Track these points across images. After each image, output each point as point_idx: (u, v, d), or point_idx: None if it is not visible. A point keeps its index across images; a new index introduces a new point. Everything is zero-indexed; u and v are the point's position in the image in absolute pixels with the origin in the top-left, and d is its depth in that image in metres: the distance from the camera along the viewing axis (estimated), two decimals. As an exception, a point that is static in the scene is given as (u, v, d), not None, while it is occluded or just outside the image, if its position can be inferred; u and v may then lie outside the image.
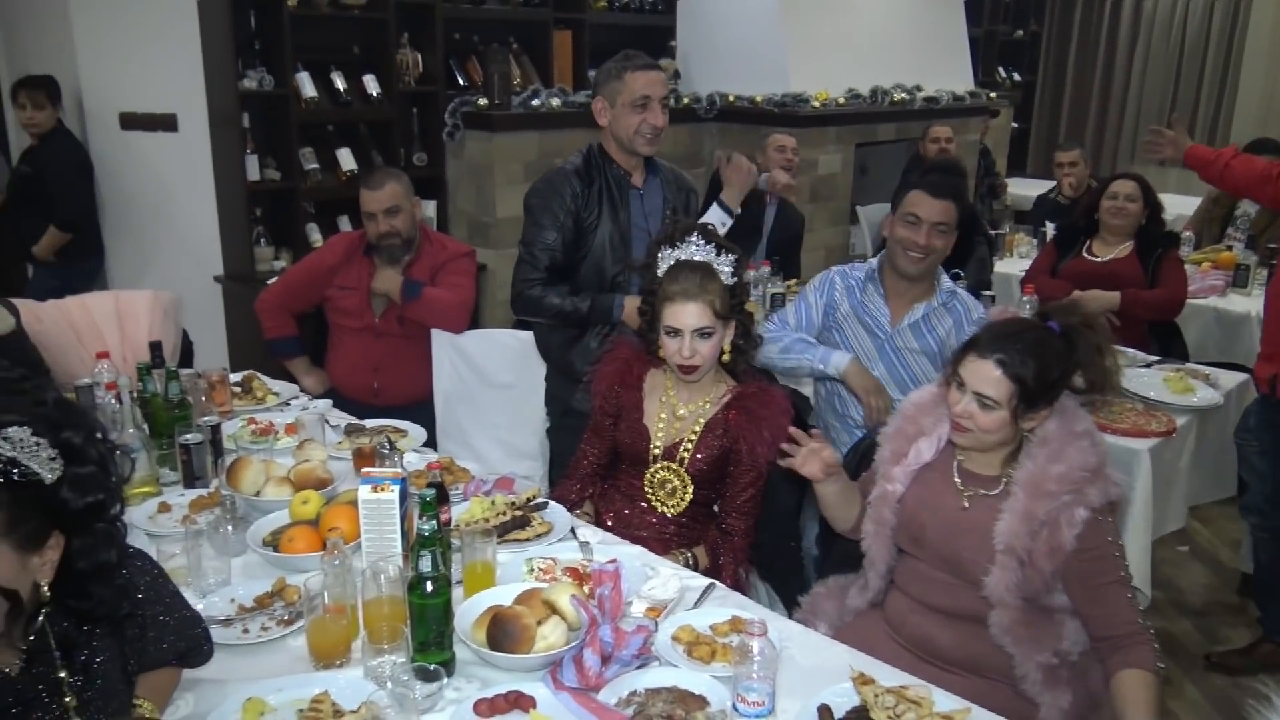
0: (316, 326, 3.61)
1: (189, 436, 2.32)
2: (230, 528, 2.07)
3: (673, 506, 2.42)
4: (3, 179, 4.79)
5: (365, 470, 1.93)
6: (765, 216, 4.96)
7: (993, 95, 7.23)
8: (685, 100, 5.81)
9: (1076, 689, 1.92)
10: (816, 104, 5.68)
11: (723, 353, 2.35)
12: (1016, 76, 9.22)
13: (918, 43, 6.66)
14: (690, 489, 2.40)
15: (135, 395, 2.50)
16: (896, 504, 2.06)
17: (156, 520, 2.20)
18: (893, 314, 2.92)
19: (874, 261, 2.99)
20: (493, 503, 2.22)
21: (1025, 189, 7.19)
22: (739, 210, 3.19)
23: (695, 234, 2.38)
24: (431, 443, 3.31)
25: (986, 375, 1.90)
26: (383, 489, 1.90)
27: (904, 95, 6.22)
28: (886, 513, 2.07)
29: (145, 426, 2.44)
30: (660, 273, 2.38)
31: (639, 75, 2.79)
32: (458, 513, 2.18)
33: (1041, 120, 9.65)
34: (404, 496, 1.95)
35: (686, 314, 2.27)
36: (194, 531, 1.95)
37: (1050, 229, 5.07)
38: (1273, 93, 8.52)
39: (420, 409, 3.33)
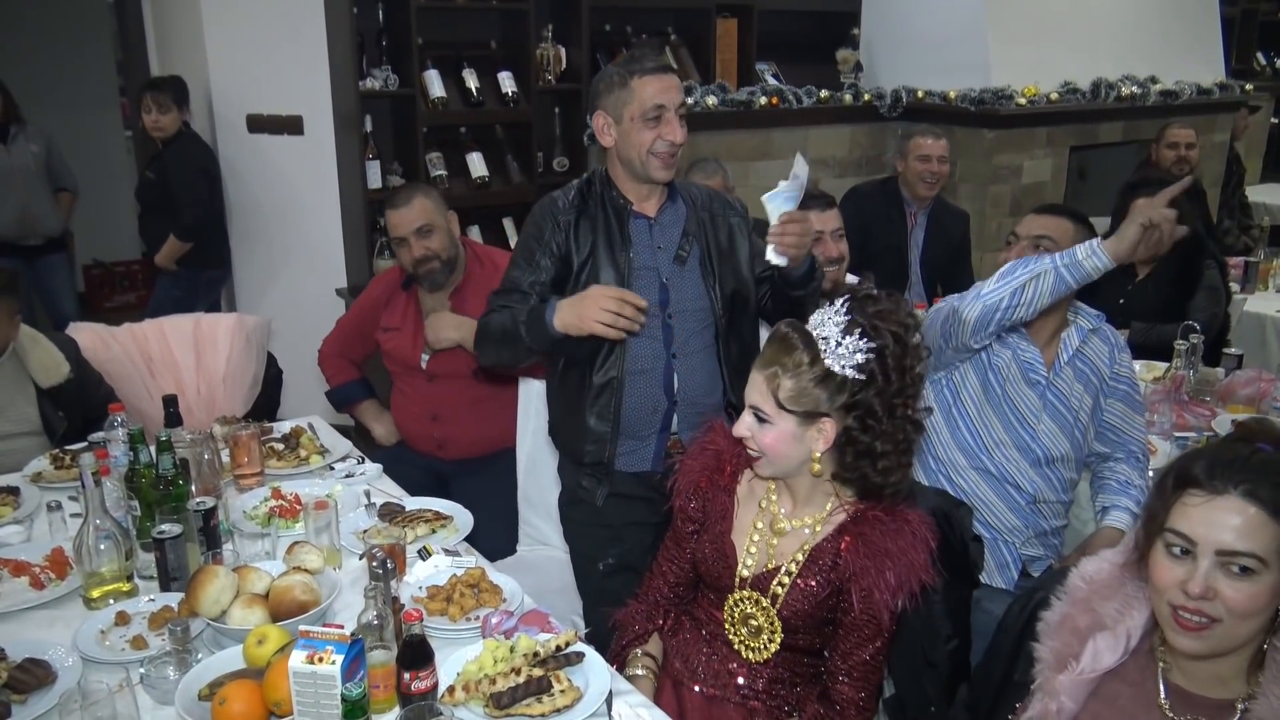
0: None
1: (164, 528, 1.89)
2: (171, 668, 1.62)
3: (756, 651, 1.82)
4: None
5: (304, 629, 1.42)
6: (911, 237, 3.99)
7: (1248, 87, 6.05)
8: (866, 96, 5.06)
9: None
10: (1022, 100, 4.81)
11: (814, 461, 1.72)
12: (1280, 63, 7.85)
13: (1154, 25, 5.58)
14: (779, 634, 1.79)
15: (127, 465, 2.10)
16: (1067, 730, 1.37)
17: (108, 637, 1.78)
18: (1043, 354, 2.33)
19: None
20: (511, 649, 1.67)
21: (1283, 199, 6.00)
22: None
23: (842, 302, 1.73)
24: (513, 509, 2.81)
25: (1235, 520, 1.20)
26: (322, 658, 1.39)
27: (1134, 89, 5.21)
28: (1052, 742, 1.38)
29: (135, 503, 2.04)
30: None
31: (650, 80, 2.15)
32: (461, 662, 1.66)
33: (1309, 115, 8.16)
34: (359, 657, 1.44)
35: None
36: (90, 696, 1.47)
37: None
38: None
39: (500, 462, 2.82)
